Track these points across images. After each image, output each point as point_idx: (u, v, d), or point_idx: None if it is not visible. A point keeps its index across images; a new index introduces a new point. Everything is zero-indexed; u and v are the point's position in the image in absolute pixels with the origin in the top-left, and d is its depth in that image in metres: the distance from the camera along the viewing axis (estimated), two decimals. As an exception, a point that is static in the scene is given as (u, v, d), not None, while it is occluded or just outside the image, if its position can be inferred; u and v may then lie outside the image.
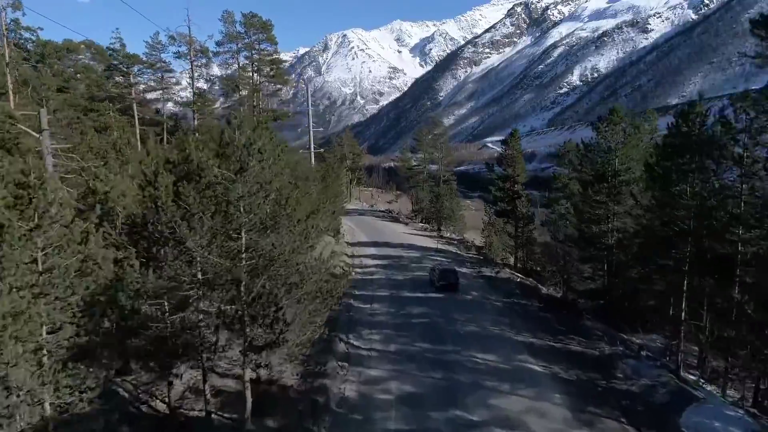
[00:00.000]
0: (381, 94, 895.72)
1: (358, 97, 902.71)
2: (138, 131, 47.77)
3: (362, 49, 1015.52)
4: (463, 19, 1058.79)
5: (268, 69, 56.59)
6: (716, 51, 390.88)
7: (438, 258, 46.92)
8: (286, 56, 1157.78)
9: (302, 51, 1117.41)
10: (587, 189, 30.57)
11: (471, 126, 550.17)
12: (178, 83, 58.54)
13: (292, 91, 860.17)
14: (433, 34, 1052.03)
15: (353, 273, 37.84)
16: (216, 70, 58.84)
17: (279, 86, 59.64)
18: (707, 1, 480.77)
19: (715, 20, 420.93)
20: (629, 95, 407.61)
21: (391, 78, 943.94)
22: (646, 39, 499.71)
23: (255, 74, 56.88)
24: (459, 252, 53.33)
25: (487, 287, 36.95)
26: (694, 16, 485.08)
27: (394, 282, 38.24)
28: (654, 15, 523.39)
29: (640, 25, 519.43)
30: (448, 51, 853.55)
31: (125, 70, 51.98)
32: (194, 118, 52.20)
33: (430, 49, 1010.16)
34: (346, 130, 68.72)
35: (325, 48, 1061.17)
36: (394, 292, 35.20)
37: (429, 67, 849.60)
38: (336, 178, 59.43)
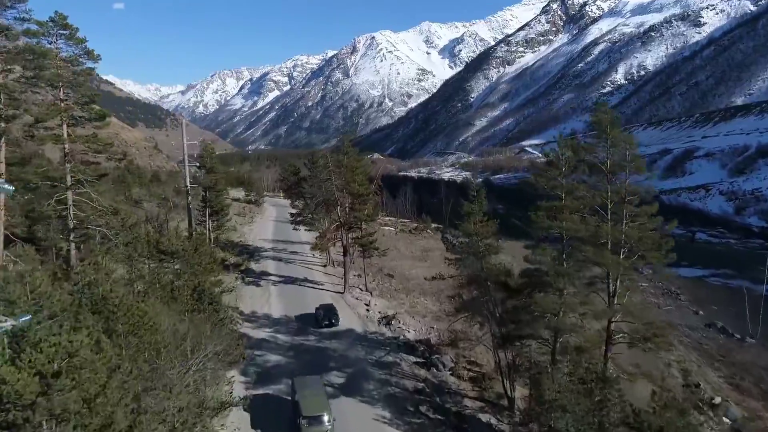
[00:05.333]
0: (409, 96, 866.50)
1: (386, 100, 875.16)
2: None
3: (390, 51, 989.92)
4: (494, 19, 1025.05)
5: None
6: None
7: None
8: (315, 59, 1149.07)
9: (330, 54, 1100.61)
10: None
11: (505, 128, 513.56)
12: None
13: (320, 93, 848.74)
14: (462, 35, 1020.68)
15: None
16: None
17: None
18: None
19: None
20: (685, 94, 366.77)
21: (419, 80, 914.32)
22: (699, 33, 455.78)
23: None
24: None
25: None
26: (752, 8, 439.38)
27: None
28: (707, 7, 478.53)
29: (691, 18, 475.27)
30: (478, 52, 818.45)
31: None
32: None
33: (460, 51, 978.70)
34: (345, 141, 36.30)
35: (354, 50, 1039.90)
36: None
37: (459, 69, 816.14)
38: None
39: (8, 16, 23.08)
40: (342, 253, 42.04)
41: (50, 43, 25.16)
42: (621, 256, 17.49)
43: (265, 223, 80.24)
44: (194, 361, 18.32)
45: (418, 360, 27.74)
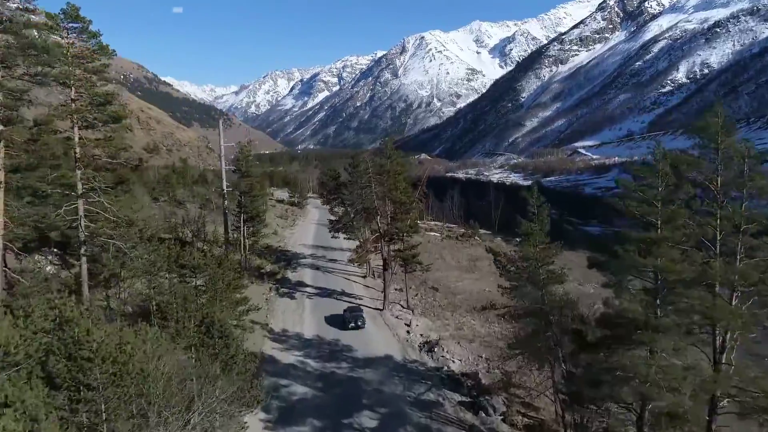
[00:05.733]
0: (458, 96, 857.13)
1: (435, 100, 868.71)
2: None
3: (440, 51, 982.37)
4: (546, 17, 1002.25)
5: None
6: None
7: None
8: (364, 59, 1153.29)
9: (379, 54, 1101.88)
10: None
11: (557, 129, 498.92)
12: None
13: (369, 94, 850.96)
14: (514, 33, 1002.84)
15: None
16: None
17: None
18: None
19: None
20: (753, 93, 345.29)
21: (469, 80, 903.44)
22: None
23: None
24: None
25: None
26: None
27: None
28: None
29: (761, 13, 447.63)
30: (530, 51, 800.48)
31: None
32: None
33: (511, 50, 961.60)
34: (388, 144, 32.92)
35: (403, 50, 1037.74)
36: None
37: (509, 68, 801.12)
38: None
39: (10, 7, 20.85)
40: (382, 266, 38.64)
41: (62, 38, 22.89)
42: (733, 302, 13.40)
43: (307, 226, 77.99)
44: (197, 411, 15.36)
45: (464, 399, 23.99)
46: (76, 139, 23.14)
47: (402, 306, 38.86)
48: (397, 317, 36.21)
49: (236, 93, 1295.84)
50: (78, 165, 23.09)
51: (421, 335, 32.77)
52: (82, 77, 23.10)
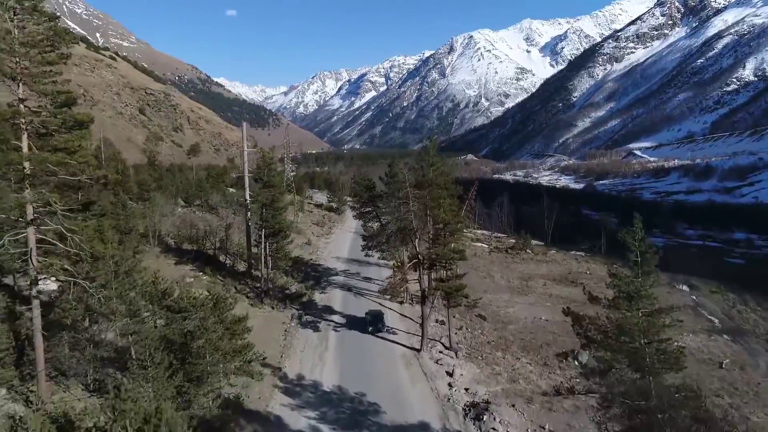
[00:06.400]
0: (507, 95, 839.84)
1: (483, 99, 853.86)
2: None
3: (488, 50, 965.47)
4: (601, 14, 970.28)
5: None
6: None
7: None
8: (412, 59, 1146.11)
9: (427, 54, 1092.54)
10: None
11: (610, 130, 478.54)
12: None
13: (415, 94, 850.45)
14: (566, 31, 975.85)
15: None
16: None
17: None
18: None
19: None
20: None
21: (518, 79, 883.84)
22: None
23: None
24: None
25: None
26: None
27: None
28: None
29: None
30: (583, 49, 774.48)
31: None
32: None
33: (562, 48, 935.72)
34: (430, 148, 26.64)
35: (451, 50, 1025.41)
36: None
37: (560, 67, 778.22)
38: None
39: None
40: (420, 298, 32.36)
41: (9, 20, 17.81)
42: None
43: (343, 235, 72.40)
44: None
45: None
46: (25, 149, 18.03)
47: (444, 345, 32.51)
48: (437, 362, 29.89)
49: (285, 93, 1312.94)
50: (26, 183, 17.98)
51: (466, 390, 26.40)
52: (34, 70, 18.00)
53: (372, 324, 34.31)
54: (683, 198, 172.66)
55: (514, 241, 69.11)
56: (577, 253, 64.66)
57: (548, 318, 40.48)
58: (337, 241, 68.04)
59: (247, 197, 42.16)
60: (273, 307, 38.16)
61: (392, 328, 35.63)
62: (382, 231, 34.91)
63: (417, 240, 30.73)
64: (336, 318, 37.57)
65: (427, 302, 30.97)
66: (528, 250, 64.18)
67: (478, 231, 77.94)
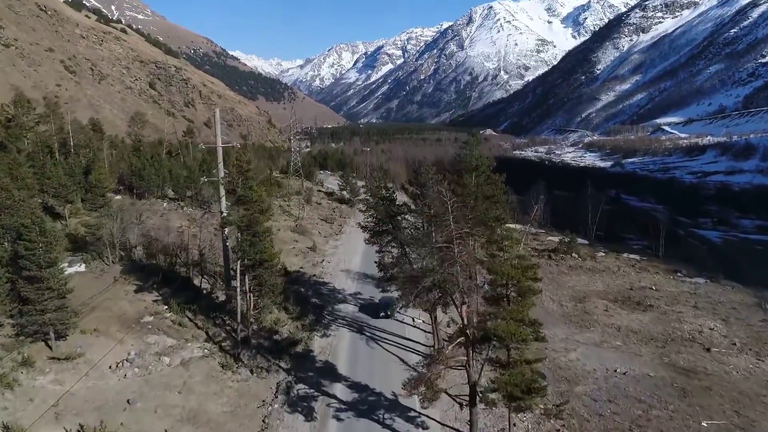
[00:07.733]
0: (527, 68, 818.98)
1: (502, 72, 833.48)
2: None
3: (508, 21, 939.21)
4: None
5: None
6: None
7: None
8: (429, 31, 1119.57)
9: (445, 25, 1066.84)
10: None
11: (636, 104, 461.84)
12: None
13: (433, 67, 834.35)
14: (589, 1, 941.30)
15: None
16: None
17: None
18: None
19: None
20: None
21: (538, 51, 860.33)
22: None
23: None
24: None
25: None
26: None
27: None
28: None
29: None
30: (607, 19, 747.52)
31: None
32: None
33: (585, 19, 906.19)
34: (472, 143, 18.28)
35: (469, 21, 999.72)
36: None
37: (583, 38, 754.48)
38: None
39: None
40: (468, 399, 20.39)
41: None
42: None
43: (355, 234, 55.36)
44: None
45: None
46: None
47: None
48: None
49: (301, 67, 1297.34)
50: None
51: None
52: None
53: (382, 310, 33.97)
54: (723, 179, 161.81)
55: (557, 240, 59.39)
56: (631, 255, 55.50)
57: (626, 370, 28.86)
58: (348, 243, 58.21)
59: (223, 208, 30.73)
60: (252, 371, 27.92)
61: (419, 419, 24.09)
62: (401, 262, 26.16)
63: (465, 306, 19.18)
64: (340, 391, 26.90)
65: (476, 404, 20.03)
66: (574, 254, 54.44)
67: (510, 225, 69.43)
